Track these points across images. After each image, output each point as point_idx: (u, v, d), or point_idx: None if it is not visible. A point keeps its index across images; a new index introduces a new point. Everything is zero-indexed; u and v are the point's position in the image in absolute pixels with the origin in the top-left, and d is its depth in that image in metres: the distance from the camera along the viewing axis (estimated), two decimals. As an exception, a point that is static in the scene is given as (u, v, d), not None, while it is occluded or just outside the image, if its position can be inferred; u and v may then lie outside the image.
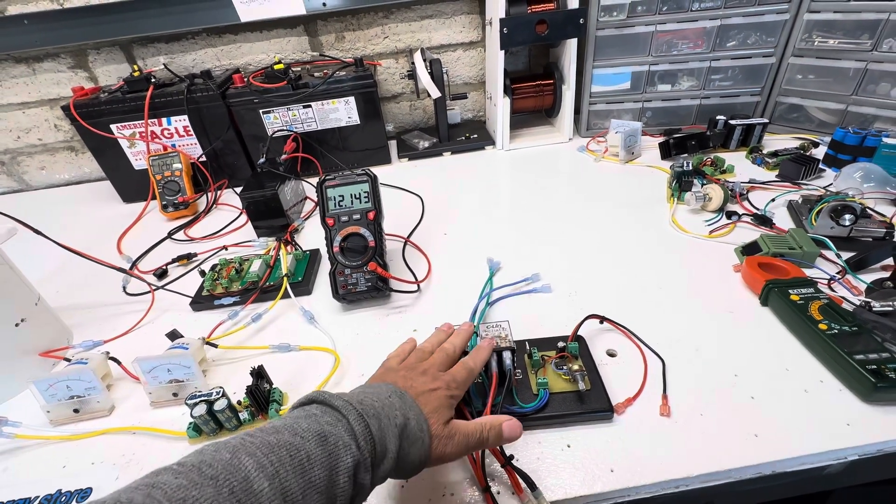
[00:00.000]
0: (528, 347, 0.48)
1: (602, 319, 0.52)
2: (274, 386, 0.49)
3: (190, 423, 0.46)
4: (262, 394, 0.46)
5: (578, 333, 0.51)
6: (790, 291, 0.51)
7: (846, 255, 0.58)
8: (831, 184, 0.74)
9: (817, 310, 0.48)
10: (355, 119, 0.96)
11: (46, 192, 1.13)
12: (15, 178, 1.13)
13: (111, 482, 0.44)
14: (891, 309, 0.48)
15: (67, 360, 0.54)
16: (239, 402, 0.47)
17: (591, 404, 0.43)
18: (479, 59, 1.10)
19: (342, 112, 0.94)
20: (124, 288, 0.71)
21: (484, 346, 0.44)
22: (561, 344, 0.47)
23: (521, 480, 0.37)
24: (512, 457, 0.39)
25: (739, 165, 0.85)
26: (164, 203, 0.90)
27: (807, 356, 0.48)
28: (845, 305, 0.51)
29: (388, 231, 0.77)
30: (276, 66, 0.89)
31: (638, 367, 0.48)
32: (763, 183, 0.78)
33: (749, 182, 0.78)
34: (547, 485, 0.39)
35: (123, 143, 0.92)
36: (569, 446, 0.42)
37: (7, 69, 0.99)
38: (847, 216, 0.59)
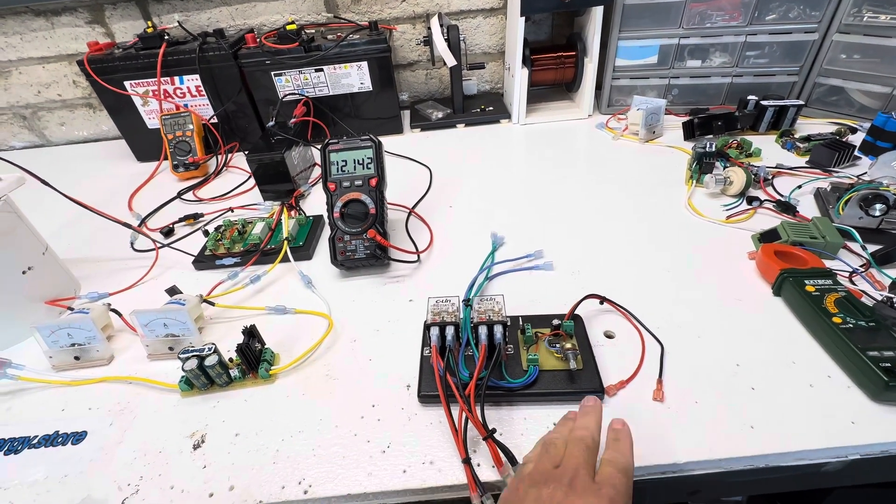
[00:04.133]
0: (521, 323, 0.47)
1: (602, 300, 0.51)
2: (266, 346, 0.50)
3: (182, 377, 0.46)
4: (252, 352, 0.47)
5: (576, 313, 0.49)
6: (806, 282, 0.48)
7: (873, 247, 0.55)
8: (865, 172, 0.69)
9: (833, 302, 0.45)
10: (368, 85, 0.93)
11: (66, 148, 1.15)
12: (36, 132, 1.15)
13: (105, 427, 0.45)
14: (915, 306, 0.45)
15: (71, 308, 0.56)
16: (231, 360, 0.48)
17: (582, 384, 0.42)
18: (499, 27, 1.05)
19: (354, 77, 0.92)
20: (132, 244, 0.71)
21: (621, 430, 0.36)
22: (556, 321, 0.46)
23: (501, 454, 0.37)
24: (495, 430, 0.38)
25: (768, 149, 0.80)
26: (174, 163, 0.90)
27: (817, 350, 0.45)
28: (865, 300, 0.49)
29: (393, 201, 0.76)
30: (288, 27, 0.87)
31: (635, 350, 0.47)
32: (791, 169, 0.73)
33: (776, 167, 0.74)
34: (528, 461, 0.38)
35: (137, 101, 0.93)
36: (555, 424, 0.41)
37: (27, 22, 0.99)
38: (878, 206, 0.55)
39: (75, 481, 0.40)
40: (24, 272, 0.55)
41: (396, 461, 0.39)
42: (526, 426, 0.41)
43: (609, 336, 0.49)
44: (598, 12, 0.87)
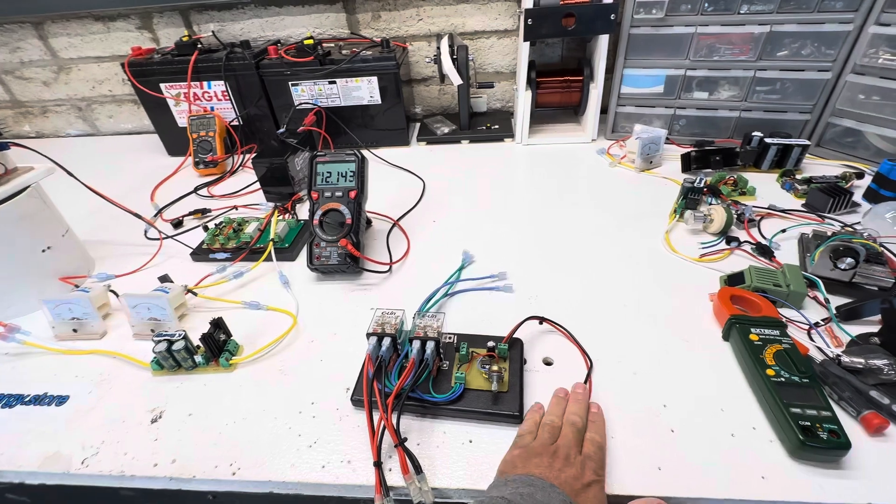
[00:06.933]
0: (456, 342, 0.49)
1: (541, 320, 0.52)
2: (231, 337, 0.55)
3: (154, 358, 0.52)
4: (215, 342, 0.52)
5: (518, 337, 0.51)
6: (752, 330, 0.48)
7: (841, 300, 0.53)
8: (859, 221, 0.66)
9: (772, 354, 0.45)
10: (377, 98, 0.98)
11: (112, 138, 1.28)
12: (89, 123, 1.28)
13: (85, 394, 0.51)
14: (861, 366, 0.44)
15: (77, 286, 0.63)
16: (198, 347, 0.53)
17: (502, 407, 0.44)
18: (512, 47, 1.08)
19: (364, 91, 0.97)
20: (145, 233, 0.79)
21: (597, 413, 0.44)
22: (490, 343, 0.48)
23: (409, 462, 0.39)
24: (406, 439, 0.41)
25: (766, 188, 0.78)
26: (196, 160, 0.99)
27: (749, 400, 0.45)
28: (817, 356, 0.48)
29: (383, 211, 0.80)
30: (305, 41, 0.93)
31: (571, 378, 0.48)
32: (783, 211, 0.71)
33: (768, 208, 0.72)
34: (436, 472, 0.41)
35: (170, 102, 1.02)
36: (471, 441, 0.43)
37: (87, 25, 1.11)
38: (847, 259, 0.53)
39: (50, 438, 0.47)
40: (43, 251, 0.63)
41: (319, 457, 0.43)
42: (444, 439, 0.44)
43: (548, 363, 0.51)
44: (604, 40, 0.88)
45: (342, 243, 0.62)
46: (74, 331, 0.58)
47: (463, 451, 0.43)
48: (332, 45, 1.03)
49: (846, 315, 0.51)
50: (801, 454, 0.39)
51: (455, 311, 0.59)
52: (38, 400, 0.51)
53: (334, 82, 0.96)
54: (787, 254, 0.63)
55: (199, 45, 0.97)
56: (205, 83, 0.99)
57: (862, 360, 0.44)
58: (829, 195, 0.69)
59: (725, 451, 0.41)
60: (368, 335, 0.47)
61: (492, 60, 1.10)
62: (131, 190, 0.95)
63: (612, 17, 0.83)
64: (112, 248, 0.77)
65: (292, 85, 0.97)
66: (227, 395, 0.50)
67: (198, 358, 0.52)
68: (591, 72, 0.95)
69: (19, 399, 0.51)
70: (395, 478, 0.41)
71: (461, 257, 0.67)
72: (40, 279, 0.63)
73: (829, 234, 0.60)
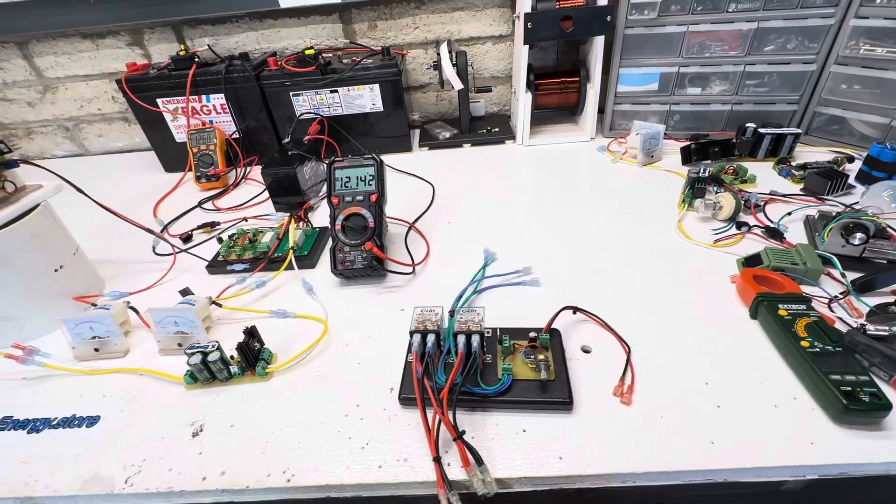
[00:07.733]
0: (499, 334, 0.50)
1: (575, 310, 0.53)
2: (265, 346, 0.54)
3: (187, 371, 0.51)
4: (251, 351, 0.51)
5: (555, 328, 0.52)
6: (780, 306, 0.50)
7: (855, 275, 0.56)
8: (857, 201, 0.70)
9: (803, 327, 0.47)
10: (379, 106, 0.99)
11: (102, 157, 1.24)
12: (77, 143, 1.24)
13: (116, 414, 0.49)
14: (886, 333, 0.46)
15: (94, 305, 0.61)
16: (232, 357, 0.52)
17: (552, 394, 0.45)
18: (507, 52, 1.10)
19: (367, 98, 0.98)
20: (154, 248, 0.77)
21: None
22: (532, 334, 0.49)
23: (469, 454, 0.39)
24: (464, 432, 0.41)
25: (764, 176, 0.82)
26: (197, 174, 0.97)
27: (786, 372, 0.46)
28: (841, 327, 0.50)
29: (396, 216, 0.80)
30: (306, 52, 0.94)
31: (610, 364, 0.49)
32: (784, 195, 0.74)
33: (770, 194, 0.75)
34: (495, 463, 0.41)
35: (167, 117, 1.00)
36: (524, 431, 0.44)
37: (75, 44, 1.09)
38: (858, 235, 0.56)
39: (86, 460, 0.45)
40: (55, 270, 0.61)
41: (374, 457, 0.42)
42: (497, 431, 0.44)
43: (586, 351, 0.51)
44: (599, 41, 0.91)
45: (367, 246, 0.62)
46: (96, 350, 0.56)
47: (519, 441, 0.43)
48: (332, 54, 1.04)
49: (861, 288, 0.54)
50: (845, 418, 0.40)
51: (487, 307, 0.59)
52: (66, 423, 0.49)
53: (336, 91, 0.97)
54: (795, 234, 0.66)
55: (197, 59, 0.96)
56: (203, 97, 0.98)
57: (886, 328, 0.46)
58: (827, 178, 0.72)
59: (772, 421, 0.42)
60: (412, 332, 0.47)
61: (488, 65, 1.12)
62: (131, 207, 0.93)
63: (608, 18, 0.86)
64: (120, 265, 0.75)
65: (293, 95, 0.97)
66: (268, 404, 0.49)
67: (233, 368, 0.51)
68: (587, 73, 0.98)
69: (46, 423, 0.49)
70: (454, 472, 0.40)
71: (483, 255, 0.67)
72: (54, 299, 0.61)
73: (835, 214, 0.63)
